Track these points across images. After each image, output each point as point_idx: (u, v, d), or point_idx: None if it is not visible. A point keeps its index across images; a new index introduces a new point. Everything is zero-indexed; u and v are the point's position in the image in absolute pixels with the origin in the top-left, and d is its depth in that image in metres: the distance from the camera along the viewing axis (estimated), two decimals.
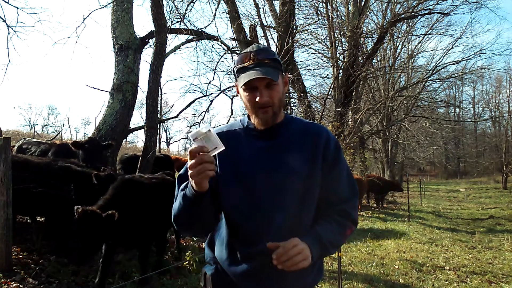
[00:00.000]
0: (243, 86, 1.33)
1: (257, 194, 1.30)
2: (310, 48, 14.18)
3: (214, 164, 1.15)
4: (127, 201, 3.46)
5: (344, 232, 1.35)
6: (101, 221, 2.99)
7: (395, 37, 17.14)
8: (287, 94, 9.96)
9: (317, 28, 13.14)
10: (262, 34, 10.73)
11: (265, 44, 10.34)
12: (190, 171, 1.15)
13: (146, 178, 4.02)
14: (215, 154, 1.18)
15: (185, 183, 1.29)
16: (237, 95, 8.94)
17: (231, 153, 1.36)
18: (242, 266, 1.31)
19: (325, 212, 1.37)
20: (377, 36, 12.74)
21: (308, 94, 12.07)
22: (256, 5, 10.84)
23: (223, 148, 1.15)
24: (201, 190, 1.18)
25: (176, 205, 1.31)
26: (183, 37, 7.91)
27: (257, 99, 1.31)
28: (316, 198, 1.36)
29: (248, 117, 1.44)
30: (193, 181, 1.17)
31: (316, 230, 1.29)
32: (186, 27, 7.22)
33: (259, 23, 10.72)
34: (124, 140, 8.99)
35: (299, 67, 12.65)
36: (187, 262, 4.34)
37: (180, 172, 1.44)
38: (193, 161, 1.13)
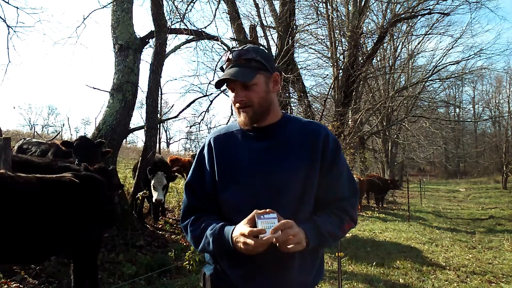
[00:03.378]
0: (225, 88, 1.38)
1: (256, 195, 1.30)
2: (310, 48, 14.22)
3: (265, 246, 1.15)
4: None
5: (342, 226, 1.35)
6: None
7: (395, 37, 17.16)
8: (287, 94, 9.94)
9: (317, 28, 13.17)
10: (262, 34, 10.74)
11: (265, 44, 10.35)
12: (243, 247, 1.17)
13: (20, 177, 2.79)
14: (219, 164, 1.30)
15: (215, 227, 1.28)
16: None
17: (229, 155, 1.37)
18: (242, 266, 1.31)
19: (324, 209, 1.37)
20: (377, 36, 12.75)
21: (308, 94, 12.08)
22: (256, 5, 10.85)
23: (273, 239, 1.15)
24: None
25: (204, 244, 1.31)
26: (183, 37, 7.91)
27: (233, 100, 1.35)
28: (314, 197, 1.36)
29: None
30: (242, 249, 1.18)
31: (314, 220, 1.29)
32: (186, 27, 7.22)
33: (259, 23, 10.73)
34: (124, 140, 8.98)
35: (299, 67, 12.66)
36: (187, 262, 4.35)
37: (187, 180, 1.45)
38: (250, 243, 1.14)
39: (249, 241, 1.14)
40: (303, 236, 1.19)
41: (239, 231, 1.18)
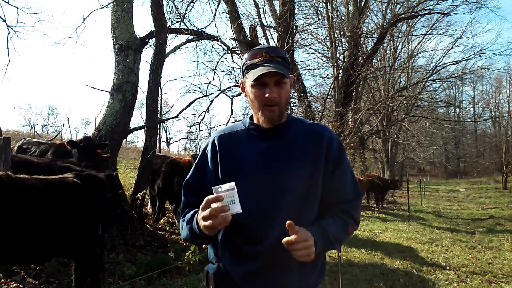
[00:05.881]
0: (252, 82, 1.32)
1: (259, 195, 1.30)
2: (310, 48, 14.24)
3: (227, 221, 1.15)
4: None
5: (347, 229, 1.36)
6: None
7: (395, 37, 17.17)
8: None
9: (317, 28, 13.17)
10: (262, 34, 10.76)
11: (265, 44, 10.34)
12: (204, 223, 1.17)
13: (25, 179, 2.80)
14: (223, 163, 1.28)
15: (190, 214, 1.32)
16: (239, 94, 8.97)
17: (233, 155, 1.37)
18: (244, 265, 1.31)
19: (328, 211, 1.38)
20: (377, 36, 12.74)
21: (308, 94, 12.08)
22: (256, 5, 10.86)
23: (240, 211, 1.15)
24: (210, 235, 1.21)
25: (184, 232, 1.34)
26: (183, 37, 7.92)
27: (266, 95, 1.31)
28: (318, 198, 1.36)
29: (250, 117, 1.44)
30: (204, 229, 1.19)
31: (321, 223, 1.30)
32: (186, 27, 7.23)
33: (259, 23, 10.74)
34: (124, 140, 8.98)
35: (299, 67, 12.66)
36: (187, 261, 4.35)
37: (187, 178, 1.45)
38: (211, 215, 1.14)
39: (207, 212, 1.15)
40: (313, 250, 1.19)
41: (200, 207, 1.19)
